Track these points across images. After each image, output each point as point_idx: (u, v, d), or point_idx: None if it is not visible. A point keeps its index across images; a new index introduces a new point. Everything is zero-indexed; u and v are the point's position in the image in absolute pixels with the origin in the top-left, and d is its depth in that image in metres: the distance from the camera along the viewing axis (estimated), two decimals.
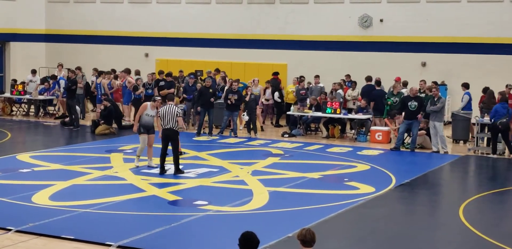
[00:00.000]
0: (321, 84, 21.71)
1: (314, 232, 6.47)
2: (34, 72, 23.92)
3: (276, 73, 22.89)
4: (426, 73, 22.72)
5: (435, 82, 20.75)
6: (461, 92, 20.07)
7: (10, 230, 10.04)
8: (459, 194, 13.51)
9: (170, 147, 14.05)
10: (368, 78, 20.91)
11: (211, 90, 19.69)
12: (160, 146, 14.17)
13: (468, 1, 22.63)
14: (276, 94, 21.50)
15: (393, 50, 23.59)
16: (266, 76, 22.88)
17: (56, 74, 23.82)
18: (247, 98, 19.42)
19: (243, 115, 19.39)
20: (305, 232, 6.45)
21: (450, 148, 17.77)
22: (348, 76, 22.37)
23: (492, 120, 16.84)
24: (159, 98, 15.06)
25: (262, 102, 21.35)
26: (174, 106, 14.10)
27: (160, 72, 21.50)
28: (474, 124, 17.85)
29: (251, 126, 19.41)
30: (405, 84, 20.45)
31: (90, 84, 23.60)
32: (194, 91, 20.14)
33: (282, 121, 22.07)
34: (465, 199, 12.70)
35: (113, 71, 23.05)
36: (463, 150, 18.07)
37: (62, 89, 22.55)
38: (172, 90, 20.62)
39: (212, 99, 19.31)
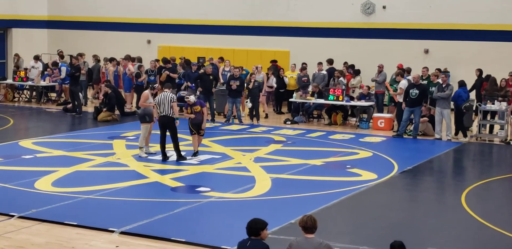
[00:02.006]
0: (324, 72, 21.65)
1: (315, 219, 6.49)
2: (36, 58, 23.87)
3: (274, 61, 22.80)
4: (429, 60, 22.65)
5: (438, 69, 20.69)
6: (464, 79, 19.98)
7: (13, 216, 10.07)
8: (461, 181, 13.52)
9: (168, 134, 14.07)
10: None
11: (211, 77, 19.65)
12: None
13: None
14: (274, 80, 21.43)
15: (396, 37, 23.51)
16: (268, 63, 22.82)
17: (57, 61, 23.76)
18: (250, 86, 19.37)
19: (246, 102, 19.36)
20: (306, 218, 6.47)
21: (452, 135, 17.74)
22: (345, 63, 22.34)
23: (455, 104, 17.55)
24: (157, 85, 15.08)
25: (265, 89, 21.31)
26: (170, 93, 14.10)
27: (166, 61, 21.14)
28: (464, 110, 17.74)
29: (254, 113, 19.40)
30: (408, 71, 20.37)
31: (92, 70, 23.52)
32: (197, 78, 20.10)
33: (284, 109, 22.06)
34: (467, 185, 12.71)
35: (111, 59, 22.87)
36: None
37: (62, 76, 22.52)
38: (175, 75, 20.50)
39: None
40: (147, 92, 14.82)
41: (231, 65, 21.20)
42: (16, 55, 24.28)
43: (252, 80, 19.48)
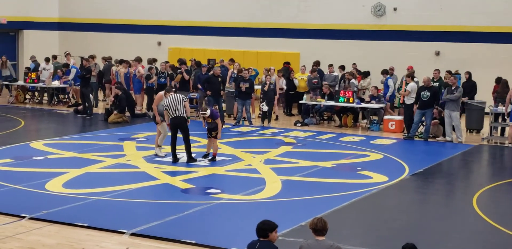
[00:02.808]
0: (335, 73, 21.64)
1: (326, 221, 6.47)
2: (47, 60, 23.95)
3: (287, 63, 22.79)
4: (440, 63, 22.58)
5: (449, 72, 20.63)
6: (475, 82, 19.93)
7: (24, 217, 10.10)
8: (472, 184, 13.45)
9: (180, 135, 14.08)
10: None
11: (220, 79, 19.64)
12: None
13: None
14: (284, 82, 21.38)
15: (407, 39, 23.45)
16: (278, 65, 22.82)
17: (68, 63, 23.82)
18: (266, 88, 19.26)
19: (263, 105, 19.21)
20: (316, 221, 6.47)
21: (464, 138, 17.67)
22: (354, 64, 22.35)
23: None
24: (174, 89, 15.07)
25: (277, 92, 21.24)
26: (179, 95, 14.12)
27: (182, 63, 21.16)
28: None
29: (266, 115, 19.32)
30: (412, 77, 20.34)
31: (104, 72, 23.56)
32: (205, 79, 20.08)
33: (294, 110, 22.04)
34: (479, 188, 12.65)
35: (121, 61, 22.89)
36: (476, 139, 17.97)
37: (71, 77, 22.59)
38: (187, 76, 20.45)
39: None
40: (161, 94, 14.77)
41: (241, 67, 21.14)
42: (92, 57, 23.77)
43: (268, 82, 19.36)
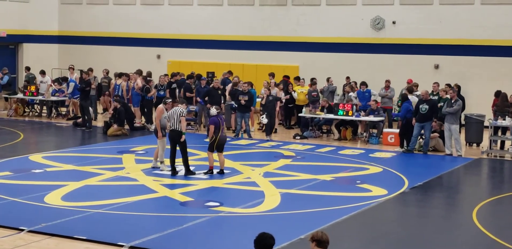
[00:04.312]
0: (334, 86, 21.65)
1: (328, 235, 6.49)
2: (43, 73, 23.95)
3: (286, 76, 22.81)
4: (439, 76, 22.62)
5: (448, 85, 20.65)
6: (475, 95, 19.97)
7: (22, 230, 10.06)
8: (472, 197, 13.42)
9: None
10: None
11: (219, 91, 19.62)
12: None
13: (482, 3, 22.51)
14: (283, 95, 21.39)
15: (406, 52, 23.51)
16: (277, 79, 22.83)
17: (68, 76, 23.84)
18: (263, 102, 19.25)
19: (262, 117, 19.21)
20: (321, 233, 6.50)
21: (464, 151, 17.66)
22: (347, 78, 22.24)
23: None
24: (169, 100, 15.02)
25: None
26: (180, 108, 14.10)
27: (174, 75, 21.54)
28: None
29: (269, 128, 19.29)
30: (415, 86, 20.30)
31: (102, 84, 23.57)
32: (206, 92, 20.10)
33: (293, 123, 22.02)
34: (478, 201, 12.61)
35: (121, 74, 22.89)
36: (476, 152, 17.96)
37: (69, 90, 22.60)
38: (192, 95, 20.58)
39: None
40: (161, 107, 14.79)
41: (240, 80, 21.19)
42: (91, 70, 23.57)
43: (265, 95, 19.38)
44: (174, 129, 13.96)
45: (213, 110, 14.16)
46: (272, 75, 22.07)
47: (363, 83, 20.71)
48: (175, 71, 22.06)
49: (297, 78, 22.42)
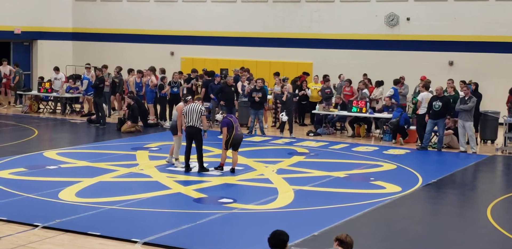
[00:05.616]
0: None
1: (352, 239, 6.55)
2: (57, 69, 24.06)
3: (306, 73, 22.75)
4: (454, 73, 22.50)
5: (463, 82, 20.52)
6: (489, 92, 19.85)
7: (37, 226, 10.12)
8: (486, 194, 13.35)
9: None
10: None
11: (232, 88, 19.60)
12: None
13: None
14: (296, 91, 21.32)
15: (420, 49, 23.41)
16: (291, 75, 22.81)
17: (85, 74, 23.85)
18: (284, 98, 19.13)
19: (282, 115, 19.11)
20: (346, 235, 6.59)
21: (478, 148, 17.57)
22: (365, 75, 22.20)
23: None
24: (189, 97, 14.89)
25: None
26: (199, 105, 14.08)
27: (193, 71, 21.65)
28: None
29: (291, 125, 19.24)
30: (427, 87, 20.24)
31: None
32: (219, 89, 20.09)
33: (307, 120, 22.00)
34: (493, 199, 12.55)
35: (129, 70, 22.92)
36: (491, 150, 17.87)
37: (83, 87, 22.69)
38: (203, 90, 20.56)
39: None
40: (181, 105, 14.70)
41: (254, 78, 21.13)
42: (105, 67, 23.44)
43: (285, 92, 19.19)
44: (192, 125, 13.94)
45: (219, 116, 14.12)
46: (277, 74, 21.90)
47: (398, 81, 20.59)
48: (212, 70, 21.88)
49: (306, 74, 22.44)
